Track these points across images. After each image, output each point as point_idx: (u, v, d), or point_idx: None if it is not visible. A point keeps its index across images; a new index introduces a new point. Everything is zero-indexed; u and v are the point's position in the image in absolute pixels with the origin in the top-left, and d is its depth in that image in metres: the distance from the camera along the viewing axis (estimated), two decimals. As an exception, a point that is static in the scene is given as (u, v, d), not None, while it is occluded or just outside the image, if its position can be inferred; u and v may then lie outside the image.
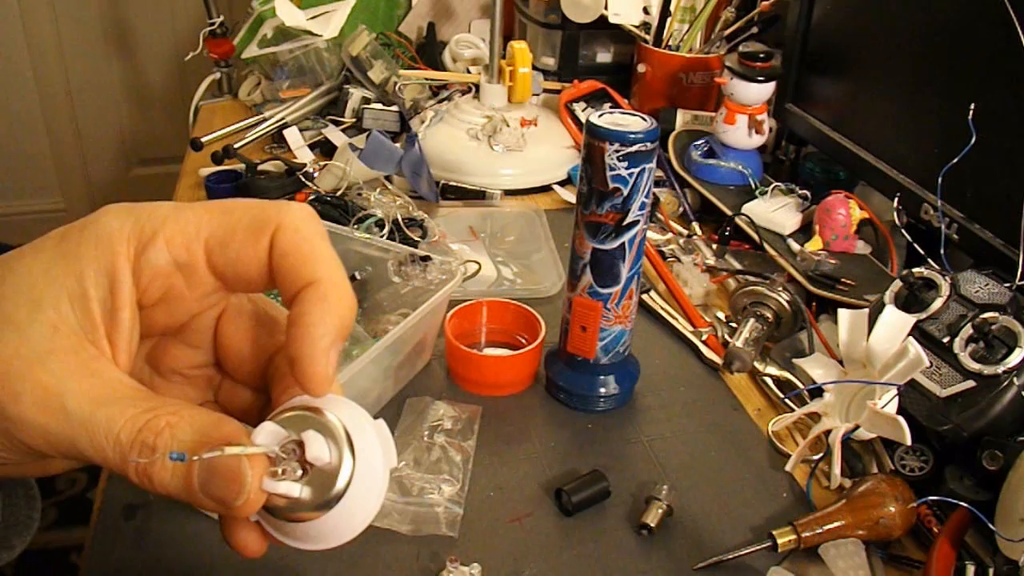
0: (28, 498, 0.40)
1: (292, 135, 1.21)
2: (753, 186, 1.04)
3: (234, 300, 0.35)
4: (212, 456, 0.28)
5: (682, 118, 1.18)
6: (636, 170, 0.65)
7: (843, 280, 0.86)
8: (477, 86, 1.19)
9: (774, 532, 0.60)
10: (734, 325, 0.83)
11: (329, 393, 0.31)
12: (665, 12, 1.19)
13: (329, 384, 0.30)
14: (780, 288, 0.82)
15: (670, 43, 1.22)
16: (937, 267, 0.73)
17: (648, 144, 0.65)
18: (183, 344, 0.35)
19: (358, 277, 0.83)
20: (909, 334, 0.67)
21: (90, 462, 0.29)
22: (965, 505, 0.59)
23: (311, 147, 1.20)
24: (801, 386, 0.75)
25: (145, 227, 0.31)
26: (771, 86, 1.05)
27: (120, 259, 0.30)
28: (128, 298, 0.31)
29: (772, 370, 0.79)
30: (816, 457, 0.69)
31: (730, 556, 0.60)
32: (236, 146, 1.14)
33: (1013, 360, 0.63)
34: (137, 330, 0.31)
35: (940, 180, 0.77)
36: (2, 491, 0.38)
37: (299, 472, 0.29)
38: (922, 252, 0.78)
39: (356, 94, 1.27)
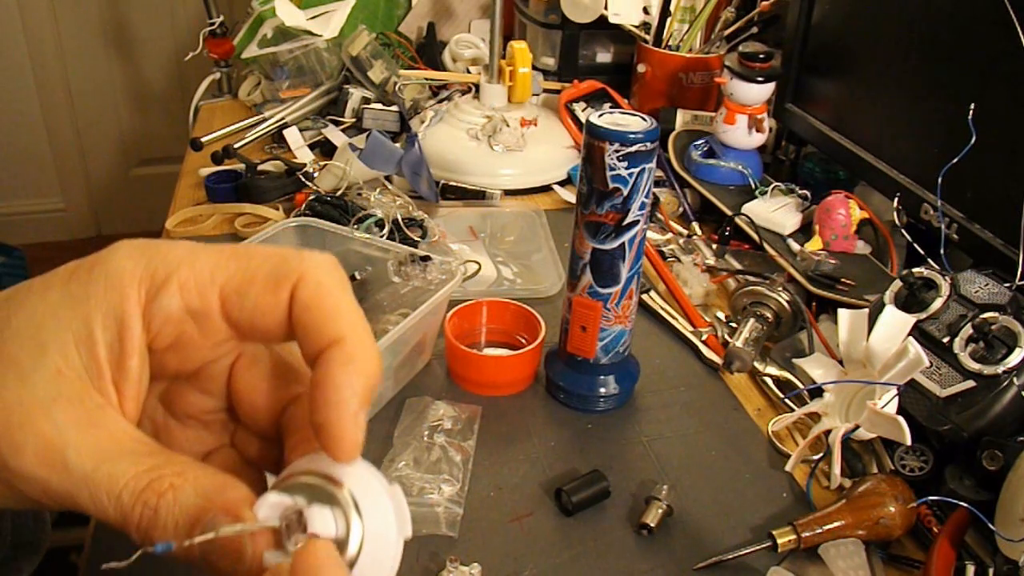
0: (37, 520, 0.40)
1: (292, 135, 1.21)
2: (753, 186, 1.04)
3: (250, 347, 0.34)
4: (205, 539, 0.27)
5: (682, 118, 1.18)
6: (636, 170, 0.65)
7: (843, 280, 0.86)
8: (477, 86, 1.19)
9: (774, 532, 0.60)
10: (734, 325, 0.83)
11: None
12: (665, 12, 1.19)
13: (357, 451, 0.29)
14: (780, 288, 0.82)
15: (670, 43, 1.22)
16: (937, 267, 0.73)
17: (648, 144, 0.65)
18: (196, 390, 0.34)
19: (358, 277, 0.83)
20: (909, 334, 0.67)
21: (88, 514, 0.29)
22: (965, 505, 0.59)
23: (311, 147, 1.20)
24: (801, 386, 0.75)
25: (158, 270, 0.29)
26: (771, 86, 1.05)
27: (130, 303, 0.29)
28: (137, 344, 0.29)
29: (772, 370, 0.79)
30: (816, 457, 0.69)
31: (730, 556, 0.60)
32: (236, 146, 1.14)
33: (1013, 360, 0.63)
34: (147, 377, 0.30)
35: (940, 180, 0.77)
36: (10, 511, 0.37)
37: (305, 544, 0.28)
38: (922, 252, 0.78)
39: (356, 94, 1.27)
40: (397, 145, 1.03)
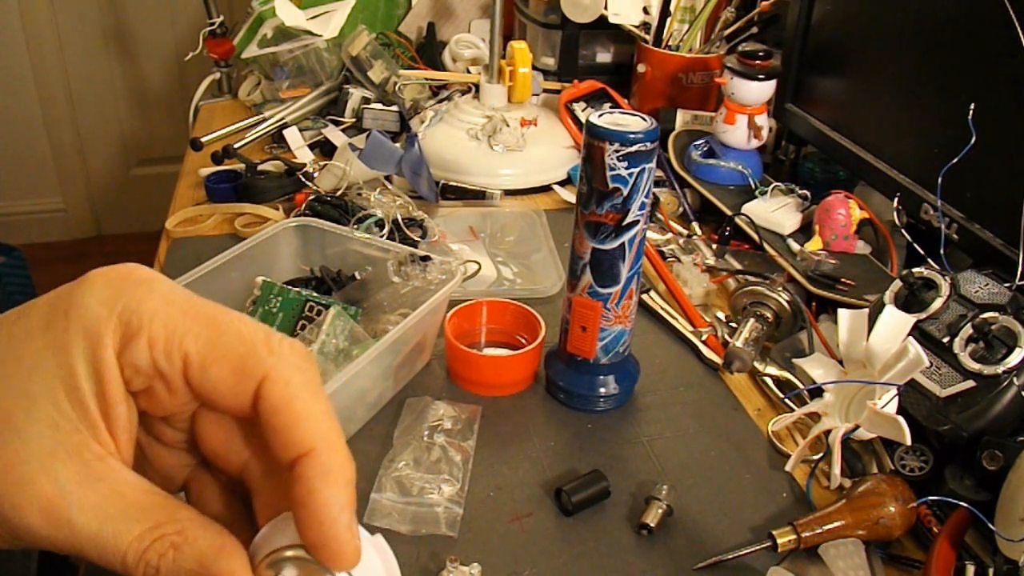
0: (24, 553, 0.40)
1: (292, 135, 1.21)
2: (753, 186, 1.04)
3: None
4: None
5: (682, 118, 1.18)
6: (636, 170, 0.65)
7: (843, 280, 0.86)
8: (477, 86, 1.19)
9: (774, 532, 0.60)
10: (734, 325, 0.83)
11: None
12: (665, 12, 1.19)
13: (358, 557, 0.29)
14: (780, 288, 0.82)
15: (670, 43, 1.22)
16: (937, 267, 0.73)
17: (648, 144, 0.65)
18: (168, 425, 0.33)
19: (358, 277, 0.83)
20: (909, 334, 0.67)
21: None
22: (965, 505, 0.59)
23: (311, 147, 1.20)
24: (801, 386, 0.75)
25: (132, 319, 0.29)
26: (771, 85, 1.05)
27: (107, 351, 0.28)
28: (119, 391, 0.29)
29: (772, 370, 0.79)
30: (816, 457, 0.69)
31: (730, 556, 0.60)
32: (236, 146, 1.14)
33: (1013, 360, 0.63)
34: (135, 418, 0.30)
35: (940, 180, 0.77)
36: None
37: None
38: (922, 252, 0.78)
39: (356, 94, 1.27)
40: (397, 145, 1.03)
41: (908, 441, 0.60)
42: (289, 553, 0.29)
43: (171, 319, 0.29)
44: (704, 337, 0.84)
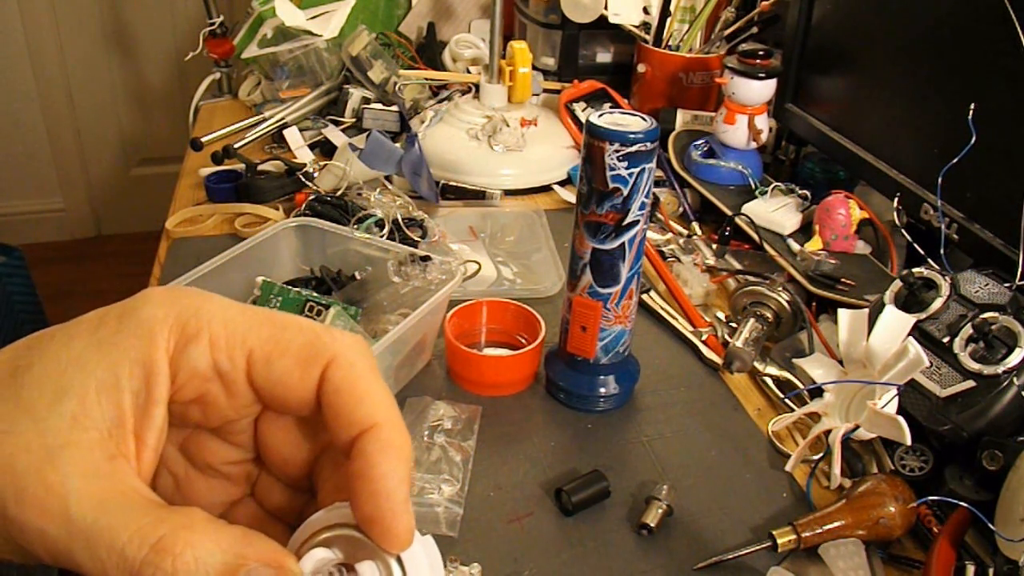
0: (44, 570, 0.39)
1: (292, 135, 1.21)
2: (753, 186, 1.04)
3: None
4: None
5: (682, 118, 1.18)
6: (636, 170, 0.65)
7: (843, 280, 0.86)
8: (477, 86, 1.19)
9: (774, 532, 0.60)
10: (734, 325, 0.83)
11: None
12: (665, 12, 1.19)
13: (411, 536, 0.28)
14: (780, 288, 0.82)
15: (670, 43, 1.22)
16: (937, 267, 0.73)
17: (648, 144, 0.65)
18: (221, 440, 0.33)
19: (358, 277, 0.83)
20: (909, 334, 0.67)
21: None
22: (965, 505, 0.59)
23: (311, 147, 1.20)
24: (801, 386, 0.75)
25: (190, 321, 0.29)
26: (771, 84, 1.05)
27: (159, 351, 0.28)
28: (163, 394, 0.28)
29: (772, 370, 0.79)
30: (816, 457, 0.69)
31: (730, 556, 0.60)
32: (236, 146, 1.14)
33: (1013, 360, 0.63)
34: (166, 427, 0.29)
35: (940, 180, 0.77)
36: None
37: None
38: (922, 252, 0.78)
39: (356, 94, 1.27)
40: (397, 145, 1.03)
41: (908, 441, 0.60)
42: (337, 532, 0.28)
43: (231, 320, 0.29)
44: (704, 337, 0.84)
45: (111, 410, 0.27)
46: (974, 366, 0.64)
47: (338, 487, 0.31)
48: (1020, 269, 0.69)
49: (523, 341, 0.80)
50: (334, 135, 1.20)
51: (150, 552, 0.25)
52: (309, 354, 0.29)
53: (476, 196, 1.09)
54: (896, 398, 0.64)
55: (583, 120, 1.14)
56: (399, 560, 0.28)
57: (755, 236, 0.96)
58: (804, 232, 0.97)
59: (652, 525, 0.62)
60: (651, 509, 0.63)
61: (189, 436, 0.33)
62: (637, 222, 0.67)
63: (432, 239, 0.93)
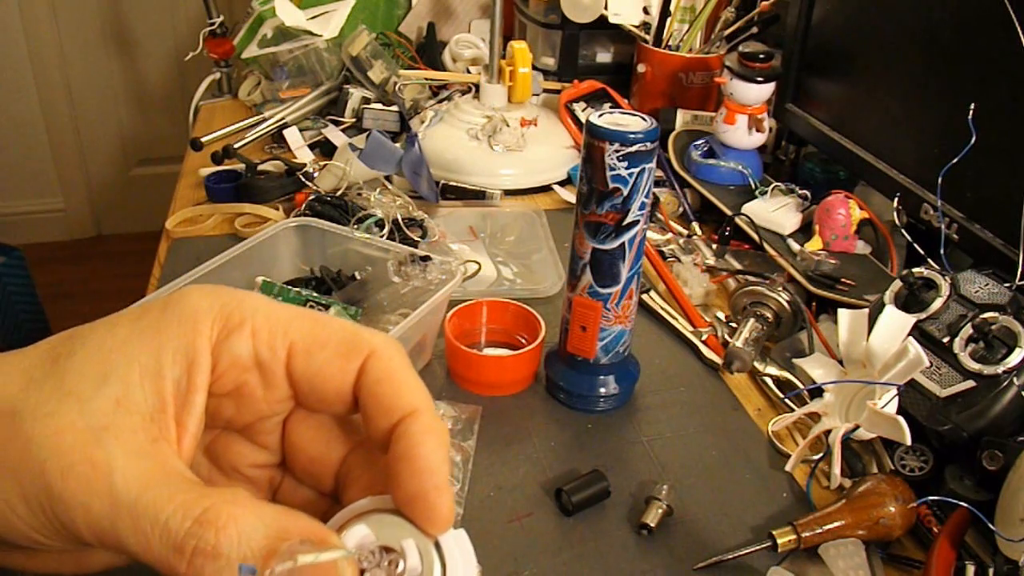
0: None
1: (292, 135, 1.21)
2: (753, 186, 1.04)
3: None
4: (306, 563, 0.25)
5: (682, 118, 1.18)
6: (636, 170, 0.65)
7: (843, 280, 0.86)
8: (477, 86, 1.19)
9: (774, 532, 0.60)
10: (734, 325, 0.83)
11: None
12: (665, 12, 1.19)
13: (452, 518, 0.29)
14: (780, 288, 0.82)
15: (670, 43, 1.22)
16: (937, 267, 0.73)
17: (648, 144, 0.65)
18: (248, 441, 0.33)
19: (358, 277, 0.83)
20: (909, 334, 0.67)
21: (133, 557, 0.26)
22: (965, 505, 0.59)
23: (311, 147, 1.20)
24: (801, 386, 0.75)
25: (233, 312, 0.30)
26: (771, 86, 1.05)
27: (202, 339, 0.29)
28: (204, 382, 0.29)
29: (772, 370, 0.79)
30: (816, 457, 0.69)
31: (730, 556, 0.60)
32: (236, 146, 1.14)
33: (1013, 360, 0.63)
34: (204, 417, 0.30)
35: (940, 180, 0.77)
36: None
37: None
38: (922, 252, 0.78)
39: (356, 94, 1.27)
40: (397, 145, 1.03)
41: (908, 441, 0.60)
42: (378, 516, 0.29)
43: (273, 313, 0.30)
44: (704, 337, 0.84)
45: (153, 396, 0.28)
46: (974, 366, 0.64)
47: (368, 485, 0.32)
48: (1020, 269, 0.69)
49: (523, 341, 0.80)
50: (334, 135, 1.20)
51: (193, 524, 0.25)
52: (349, 348, 0.30)
53: (476, 196, 1.09)
54: (896, 398, 0.64)
55: (583, 120, 1.14)
56: (437, 545, 0.28)
57: (755, 236, 0.96)
58: (804, 232, 0.97)
59: (652, 525, 0.62)
60: (651, 509, 0.63)
61: (216, 438, 0.33)
62: (637, 222, 0.67)
63: (432, 239, 0.93)
